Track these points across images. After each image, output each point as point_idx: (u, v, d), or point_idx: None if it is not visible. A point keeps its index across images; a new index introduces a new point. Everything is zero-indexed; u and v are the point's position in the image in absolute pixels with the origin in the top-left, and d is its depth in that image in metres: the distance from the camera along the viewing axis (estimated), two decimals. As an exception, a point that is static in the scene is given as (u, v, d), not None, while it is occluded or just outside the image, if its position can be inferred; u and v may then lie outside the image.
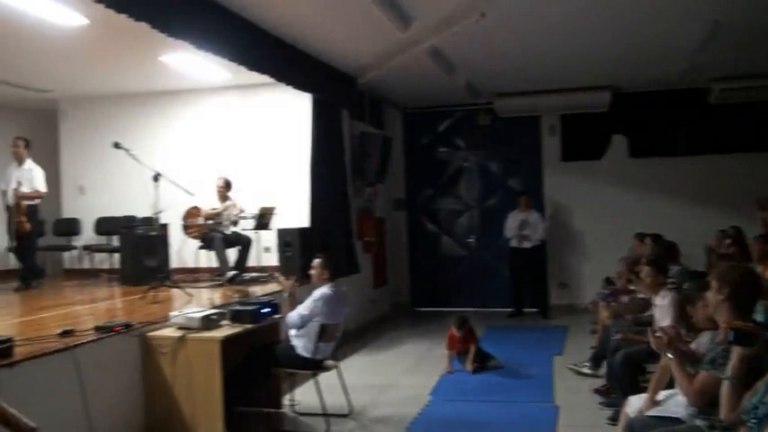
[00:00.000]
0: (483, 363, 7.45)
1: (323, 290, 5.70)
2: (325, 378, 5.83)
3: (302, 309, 5.60)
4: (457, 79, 9.80)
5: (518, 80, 10.36)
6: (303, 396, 6.05)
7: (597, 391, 6.29)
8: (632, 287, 7.04)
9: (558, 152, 11.71)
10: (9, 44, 7.72)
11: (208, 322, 5.36)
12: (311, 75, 8.30)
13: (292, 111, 9.70)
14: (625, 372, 5.36)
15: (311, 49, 7.99)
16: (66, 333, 4.90)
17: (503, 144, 11.95)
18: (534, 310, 11.05)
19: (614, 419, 5.24)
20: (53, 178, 10.79)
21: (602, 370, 6.60)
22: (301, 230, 8.58)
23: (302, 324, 5.55)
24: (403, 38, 7.56)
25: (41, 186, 8.91)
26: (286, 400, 6.08)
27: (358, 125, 10.30)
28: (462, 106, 11.90)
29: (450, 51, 8.53)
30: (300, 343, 5.60)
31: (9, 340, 4.35)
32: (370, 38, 7.77)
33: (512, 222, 10.91)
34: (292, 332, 5.68)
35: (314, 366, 5.63)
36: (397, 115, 12.20)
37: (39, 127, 11.41)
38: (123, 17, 5.31)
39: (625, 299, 7.16)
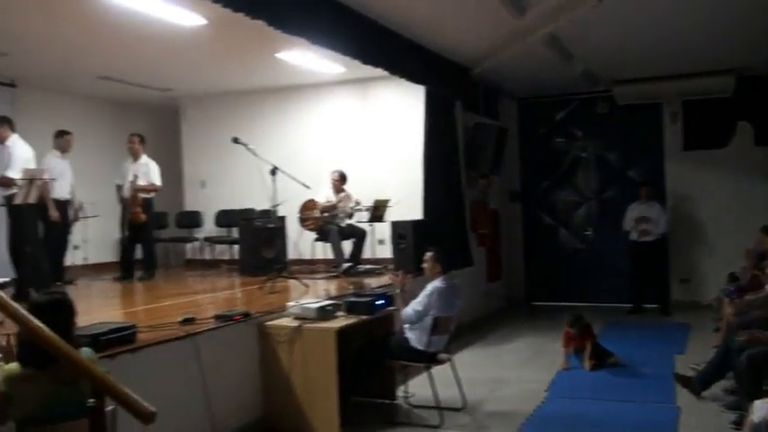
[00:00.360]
0: (601, 360, 7.19)
1: (435, 283, 5.66)
2: (439, 371, 5.78)
3: (416, 304, 5.57)
4: (574, 67, 9.50)
5: (637, 66, 9.92)
6: (417, 388, 6.01)
7: (728, 392, 5.93)
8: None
9: (680, 141, 11.13)
10: (132, 46, 8.07)
11: (324, 313, 5.43)
12: (425, 66, 8.26)
13: (406, 103, 9.72)
14: (750, 374, 5.01)
15: (425, 40, 7.94)
16: (187, 321, 5.06)
17: (622, 133, 11.48)
18: (654, 306, 10.60)
19: (738, 424, 4.94)
20: (175, 173, 11.39)
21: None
22: (415, 223, 8.56)
23: (418, 319, 5.54)
24: (518, 26, 7.40)
25: (157, 180, 9.24)
26: (400, 391, 6.07)
27: (472, 116, 10.16)
28: (579, 94, 11.55)
29: (566, 38, 8.27)
30: (414, 335, 5.59)
31: (132, 327, 4.52)
32: (484, 27, 7.64)
33: (631, 215, 10.49)
34: (406, 325, 5.67)
35: (427, 359, 5.60)
36: (511, 105, 11.99)
37: (161, 124, 12.00)
38: (240, 16, 5.43)
39: (751, 296, 6.72)
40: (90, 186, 9.47)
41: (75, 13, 6.86)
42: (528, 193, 12.13)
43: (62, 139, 8.76)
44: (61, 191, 8.51)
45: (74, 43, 7.98)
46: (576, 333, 7.27)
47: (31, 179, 6.74)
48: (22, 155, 7.30)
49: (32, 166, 7.34)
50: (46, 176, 8.05)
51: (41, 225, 7.88)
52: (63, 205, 8.49)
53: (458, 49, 8.47)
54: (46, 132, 8.77)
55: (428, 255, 5.81)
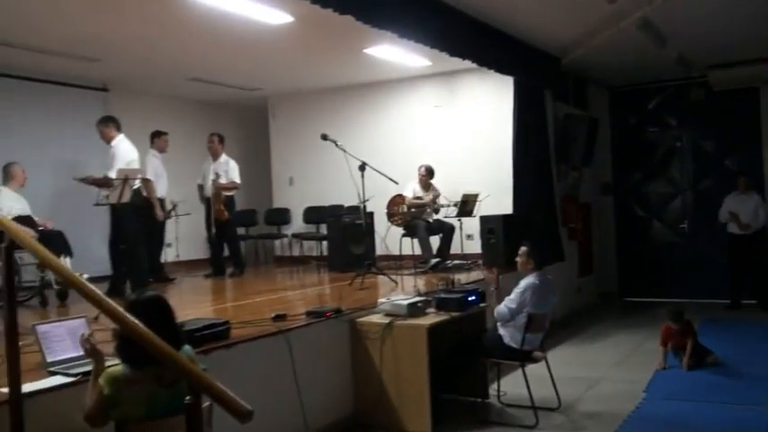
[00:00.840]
0: (700, 359, 6.84)
1: (529, 279, 5.50)
2: (532, 369, 5.61)
3: (510, 302, 5.43)
4: (667, 52, 9.08)
5: (734, 48, 9.36)
6: (509, 387, 5.88)
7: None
8: None
9: (781, 127, 10.54)
10: (221, 47, 8.19)
11: (414, 309, 5.35)
12: (513, 57, 8.09)
13: (494, 95, 9.58)
14: None
15: (513, 29, 7.77)
16: (278, 317, 5.06)
17: (718, 121, 10.91)
18: (754, 302, 10.03)
19: None
20: (264, 172, 11.54)
21: None
22: (504, 217, 8.39)
23: (512, 317, 5.39)
24: (610, 10, 7.13)
25: (237, 178, 9.32)
26: (492, 390, 5.95)
27: (562, 107, 9.91)
28: (673, 81, 11.07)
29: (660, 22, 7.90)
30: (508, 333, 5.45)
31: (227, 323, 4.55)
32: (575, 13, 7.40)
33: (728, 206, 9.97)
34: (500, 322, 5.54)
35: (522, 357, 5.44)
36: (602, 94, 11.62)
37: (251, 124, 12.22)
38: (327, 12, 5.41)
39: None
40: (181, 186, 9.68)
41: (165, 17, 6.99)
42: (620, 186, 11.72)
43: (160, 140, 9.00)
44: (160, 190, 8.77)
45: (163, 46, 8.15)
46: (678, 330, 6.94)
47: (125, 179, 6.87)
48: (124, 156, 7.44)
49: (136, 167, 7.49)
50: (146, 175, 8.36)
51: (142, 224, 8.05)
52: (160, 204, 8.73)
53: (547, 37, 8.26)
54: (137, 135, 8.96)
55: (522, 250, 5.65)
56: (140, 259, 7.44)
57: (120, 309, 2.68)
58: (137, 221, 7.42)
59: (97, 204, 7.31)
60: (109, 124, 7.61)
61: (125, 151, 7.50)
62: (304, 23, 7.11)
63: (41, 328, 3.92)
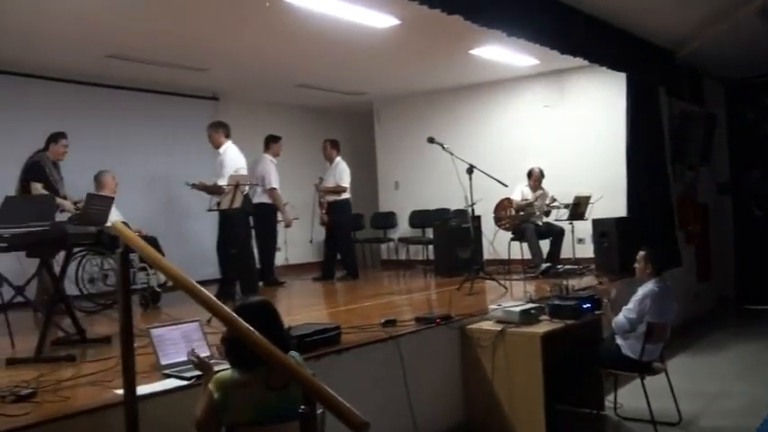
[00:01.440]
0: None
1: (648, 286, 5.18)
2: (650, 381, 5.23)
3: (628, 311, 5.13)
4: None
5: None
6: (627, 399, 5.56)
7: None
8: None
9: None
10: (328, 53, 8.21)
11: (527, 317, 5.16)
12: (625, 52, 7.73)
13: (605, 93, 9.26)
14: None
15: (625, 23, 7.41)
16: (388, 323, 4.98)
17: None
18: None
19: None
20: (370, 175, 11.54)
21: None
22: (618, 220, 8.11)
23: (632, 328, 5.09)
24: (728, -1, 6.71)
25: (343, 181, 9.29)
26: (608, 401, 5.65)
27: (677, 103, 9.39)
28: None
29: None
30: (626, 343, 5.14)
31: (337, 328, 4.52)
32: (689, 3, 6.99)
33: None
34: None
35: (640, 368, 5.12)
36: (717, 89, 10.96)
37: (357, 128, 12.22)
38: (434, 14, 5.32)
39: None
40: (289, 190, 9.69)
41: (271, 25, 7.04)
42: (738, 185, 10.99)
43: (277, 145, 9.10)
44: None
45: (271, 54, 8.22)
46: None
47: (236, 185, 6.93)
48: (232, 163, 7.51)
49: (244, 173, 7.55)
50: (272, 183, 8.60)
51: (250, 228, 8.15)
52: (273, 208, 8.87)
53: (661, 30, 7.83)
54: (246, 142, 9.12)
55: (640, 254, 5.33)
56: (250, 263, 7.50)
57: (229, 311, 2.64)
58: (245, 226, 7.48)
59: (210, 210, 7.43)
60: (219, 129, 7.69)
61: (233, 158, 7.55)
62: (410, 26, 7.03)
63: (156, 332, 3.96)
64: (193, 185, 7.71)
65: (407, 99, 11.27)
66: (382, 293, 7.71)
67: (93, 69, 8.39)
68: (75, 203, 6.91)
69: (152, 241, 7.27)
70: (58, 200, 6.72)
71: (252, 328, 2.52)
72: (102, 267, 7.32)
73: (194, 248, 8.50)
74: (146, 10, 6.43)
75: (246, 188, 7.54)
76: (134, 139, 9.02)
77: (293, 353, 3.05)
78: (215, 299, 2.65)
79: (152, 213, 8.78)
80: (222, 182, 7.34)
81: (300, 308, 6.65)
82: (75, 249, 6.13)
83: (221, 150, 7.58)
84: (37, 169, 6.95)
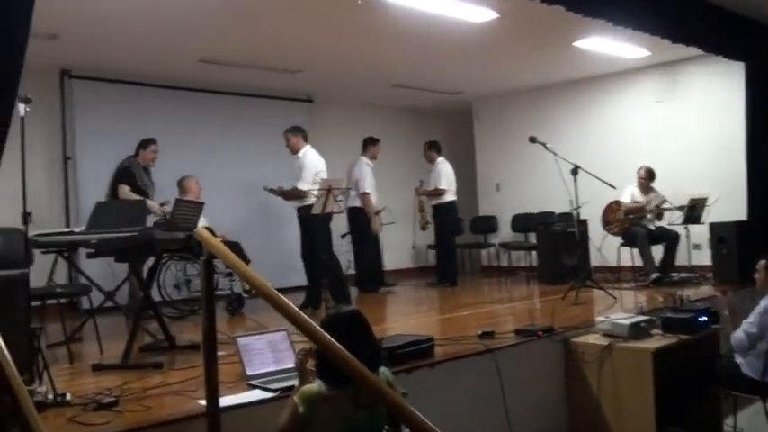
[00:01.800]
0: None
1: (770, 298, 4.84)
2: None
3: (748, 325, 4.78)
4: None
5: None
6: (746, 423, 5.19)
7: None
8: None
9: None
10: (423, 51, 8.18)
11: (637, 330, 4.93)
12: (745, 41, 7.39)
13: (723, 85, 8.88)
14: None
15: (743, 9, 7.05)
16: (485, 335, 4.89)
17: None
18: None
19: None
20: (470, 177, 11.42)
21: None
22: (738, 224, 7.79)
23: (751, 345, 4.74)
24: None
25: (441, 183, 9.29)
26: (727, 425, 5.31)
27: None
28: None
29: None
30: (746, 361, 4.81)
31: (430, 340, 4.45)
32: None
33: None
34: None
35: (762, 390, 4.79)
36: None
37: (455, 128, 12.16)
38: (533, 5, 5.25)
39: None
40: (388, 193, 9.74)
41: (364, 24, 7.05)
42: None
43: (375, 147, 9.14)
44: (374, 200, 8.93)
45: (365, 54, 8.27)
46: None
47: (328, 189, 6.95)
48: (312, 166, 7.54)
49: (324, 177, 7.55)
50: (365, 188, 8.66)
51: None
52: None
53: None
54: (340, 144, 9.23)
55: (761, 263, 4.98)
56: (336, 270, 7.49)
57: (313, 324, 2.59)
58: (327, 231, 7.49)
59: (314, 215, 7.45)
60: (297, 134, 7.75)
61: (312, 161, 7.58)
62: (509, 19, 6.92)
63: (242, 341, 3.99)
64: (271, 190, 7.80)
65: (507, 96, 11.11)
66: (481, 302, 7.59)
67: (186, 74, 8.64)
68: (161, 205, 7.17)
69: (235, 247, 7.46)
70: (148, 201, 7.00)
71: (338, 344, 2.45)
72: (186, 273, 7.51)
73: (284, 255, 8.60)
74: (237, 14, 6.57)
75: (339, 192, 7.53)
76: (225, 142, 9.24)
77: (383, 369, 3.00)
78: (297, 309, 2.60)
79: (241, 218, 8.95)
80: (303, 185, 7.39)
81: (394, 316, 6.65)
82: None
83: (300, 154, 7.62)
84: (126, 174, 7.29)
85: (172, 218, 5.30)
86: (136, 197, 6.99)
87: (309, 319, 2.62)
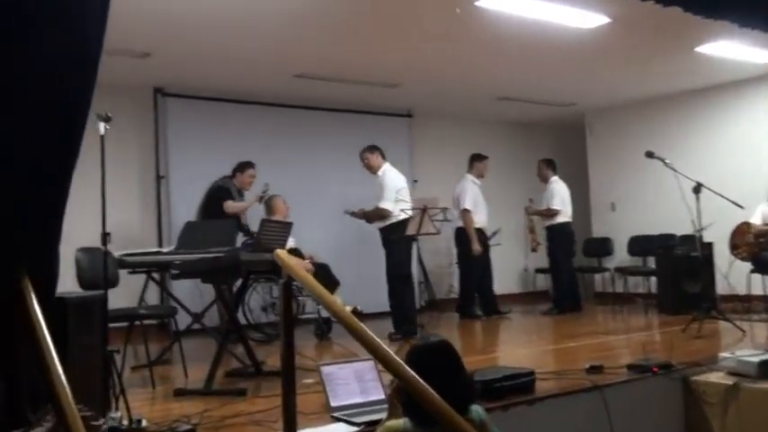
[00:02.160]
0: None
1: None
2: None
3: None
4: None
5: None
6: None
7: None
8: None
9: None
10: (531, 61, 8.06)
11: (767, 369, 4.61)
12: None
13: None
14: None
15: None
16: (594, 369, 4.75)
17: None
18: None
19: None
20: (582, 196, 11.16)
21: None
22: None
23: None
24: None
25: (554, 204, 9.25)
26: None
27: None
28: None
29: None
30: None
31: (531, 374, 4.34)
32: None
33: None
34: None
35: None
36: None
37: (565, 143, 11.95)
38: (648, 7, 5.02)
39: None
40: (492, 213, 9.57)
41: (467, 35, 6.99)
42: None
43: (481, 164, 9.14)
44: (480, 219, 8.93)
45: (467, 65, 8.19)
46: None
47: (423, 209, 6.88)
48: (393, 184, 7.49)
49: (405, 195, 7.52)
50: (464, 204, 8.67)
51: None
52: (481, 234, 8.90)
53: None
54: (441, 161, 9.14)
55: None
56: (409, 297, 7.39)
57: (393, 356, 2.50)
58: (409, 254, 7.44)
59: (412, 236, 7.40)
60: (374, 152, 7.72)
61: (393, 179, 7.54)
62: (623, 24, 6.71)
63: (326, 369, 3.96)
64: (352, 213, 7.80)
65: (623, 108, 10.79)
66: (591, 332, 7.35)
67: (280, 90, 8.80)
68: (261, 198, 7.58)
69: (323, 269, 7.56)
70: (236, 204, 7.24)
71: (420, 380, 2.37)
72: (272, 295, 7.58)
73: (380, 278, 8.54)
74: (332, 27, 6.63)
75: (409, 212, 7.43)
76: (318, 160, 9.30)
77: (475, 407, 2.89)
78: (378, 342, 2.54)
79: (334, 239, 8.98)
80: (385, 204, 7.37)
81: (492, 346, 6.59)
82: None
83: (380, 173, 7.59)
84: (223, 192, 7.50)
85: (258, 238, 5.34)
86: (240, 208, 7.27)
87: (390, 351, 2.55)
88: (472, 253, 8.75)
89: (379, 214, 7.45)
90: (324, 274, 7.36)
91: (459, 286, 9.01)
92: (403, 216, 7.27)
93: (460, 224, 8.88)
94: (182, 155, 8.46)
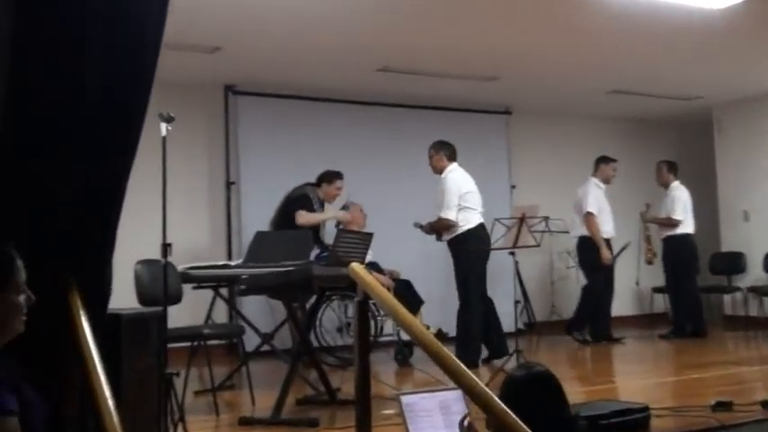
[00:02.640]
0: None
1: None
2: None
3: None
4: None
5: None
6: None
7: None
8: None
9: None
10: (647, 49, 7.92)
11: None
12: None
13: None
14: None
15: None
16: (721, 405, 4.62)
17: None
18: None
19: None
20: (709, 203, 10.99)
21: None
22: None
23: None
24: None
25: (675, 212, 9.16)
26: None
27: None
28: None
29: None
30: None
31: (645, 409, 4.33)
32: None
33: None
34: None
35: None
36: None
37: (689, 142, 11.78)
38: None
39: None
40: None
41: (572, 22, 6.94)
42: None
43: (607, 167, 9.11)
44: (606, 227, 8.85)
45: (571, 56, 8.12)
46: None
47: (521, 218, 6.79)
48: (456, 188, 7.30)
49: (472, 202, 7.30)
50: (588, 208, 8.64)
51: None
52: (606, 244, 8.82)
53: None
54: (544, 162, 8.98)
55: None
56: (477, 322, 7.17)
57: (481, 385, 2.51)
58: (482, 269, 7.25)
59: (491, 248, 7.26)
60: (439, 150, 7.46)
61: (454, 182, 7.29)
62: (757, 2, 6.49)
63: (407, 399, 3.90)
64: (420, 227, 7.62)
65: (758, 101, 10.48)
66: (719, 362, 7.19)
67: (362, 86, 8.87)
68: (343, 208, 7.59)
69: (405, 286, 7.56)
70: (309, 215, 7.25)
71: (515, 418, 2.36)
72: (347, 314, 7.59)
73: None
74: (419, 14, 6.64)
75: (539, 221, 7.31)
76: (403, 162, 9.20)
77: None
78: (464, 369, 2.56)
79: (418, 253, 8.77)
80: (447, 213, 7.16)
81: (602, 375, 6.58)
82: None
83: (443, 175, 7.37)
84: (304, 201, 7.47)
85: (333, 251, 5.33)
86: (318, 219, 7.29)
87: (477, 380, 2.54)
88: (601, 262, 8.61)
89: (444, 225, 7.25)
90: (405, 292, 7.36)
91: (580, 301, 8.88)
92: (469, 225, 7.11)
93: (583, 232, 8.79)
94: (254, 158, 8.58)
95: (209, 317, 6.76)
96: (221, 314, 7.29)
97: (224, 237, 8.56)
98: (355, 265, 3.32)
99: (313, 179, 7.71)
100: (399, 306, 2.97)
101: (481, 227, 7.15)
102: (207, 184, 8.56)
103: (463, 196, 7.22)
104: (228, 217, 8.58)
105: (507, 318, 7.66)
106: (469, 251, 7.01)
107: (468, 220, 7.15)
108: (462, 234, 7.12)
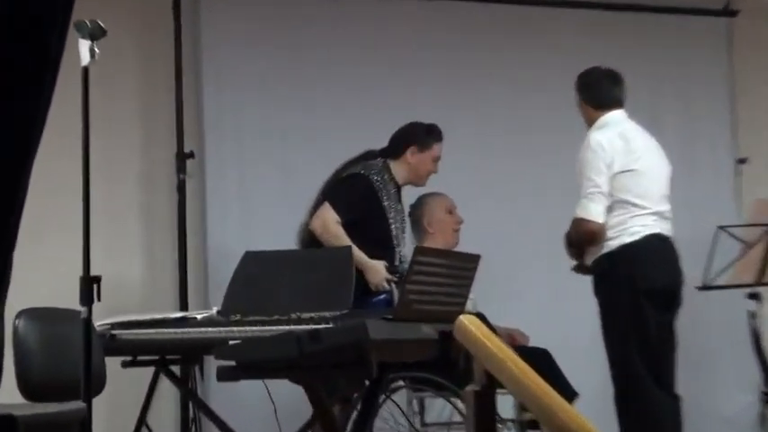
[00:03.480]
0: None
1: None
2: None
3: None
4: None
5: None
6: None
7: None
8: None
9: None
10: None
11: None
12: None
13: None
14: None
15: None
16: None
17: None
18: None
19: None
20: None
21: None
22: None
23: None
24: None
25: None
26: None
27: None
28: None
29: None
30: None
31: None
32: None
33: None
34: None
35: None
36: None
37: None
38: None
39: None
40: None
41: None
42: None
43: None
44: None
45: None
46: None
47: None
48: (600, 163, 5.72)
49: (633, 189, 5.90)
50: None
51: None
52: None
53: None
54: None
55: None
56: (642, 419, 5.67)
57: None
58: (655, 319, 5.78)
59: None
60: (584, 90, 5.70)
61: (602, 148, 5.40)
62: None
63: None
64: (579, 268, 5.96)
65: None
66: None
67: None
68: (392, 271, 5.64)
69: (543, 360, 5.86)
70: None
71: None
72: (424, 406, 6.04)
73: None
74: None
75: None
76: (526, 110, 6.99)
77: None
78: None
79: (562, 294, 6.77)
80: (587, 209, 5.48)
81: None
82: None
83: (590, 134, 5.53)
84: (356, 191, 5.82)
85: (404, 291, 4.13)
86: (346, 241, 5.33)
87: None
88: None
89: (582, 233, 5.35)
90: (547, 373, 5.37)
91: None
92: (628, 237, 5.27)
93: None
94: (232, 104, 6.22)
95: (142, 421, 4.85)
96: (171, 412, 5.74)
97: (173, 263, 6.01)
98: (467, 319, 2.56)
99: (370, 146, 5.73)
100: (558, 398, 2.21)
101: (657, 240, 5.34)
102: (138, 166, 6.15)
103: (619, 177, 5.36)
104: (182, 223, 5.95)
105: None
106: (622, 289, 5.24)
107: (627, 225, 5.31)
108: (611, 254, 5.28)
